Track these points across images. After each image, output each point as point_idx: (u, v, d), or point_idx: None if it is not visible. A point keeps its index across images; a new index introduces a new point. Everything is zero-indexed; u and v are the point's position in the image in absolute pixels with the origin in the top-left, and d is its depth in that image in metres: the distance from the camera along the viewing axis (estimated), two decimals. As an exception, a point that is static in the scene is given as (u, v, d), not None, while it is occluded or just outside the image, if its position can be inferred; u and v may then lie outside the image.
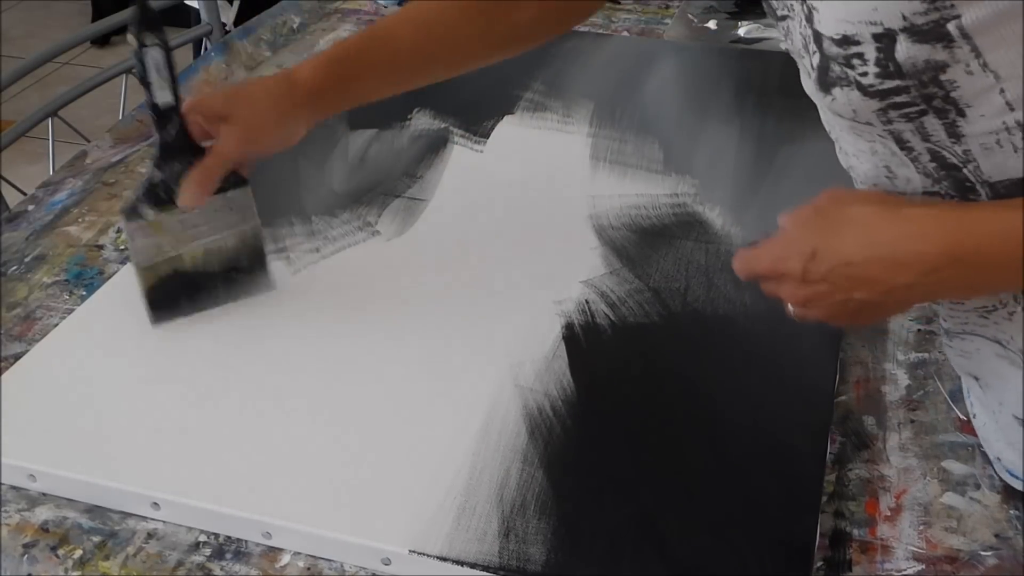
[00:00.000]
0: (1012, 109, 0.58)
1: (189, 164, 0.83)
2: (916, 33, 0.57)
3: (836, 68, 0.61)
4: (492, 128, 1.14)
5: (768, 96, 1.20)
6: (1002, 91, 0.57)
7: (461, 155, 1.11)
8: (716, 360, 0.85)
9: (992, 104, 0.58)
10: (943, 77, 0.58)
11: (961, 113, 0.59)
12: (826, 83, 0.63)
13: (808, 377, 0.83)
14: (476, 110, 1.16)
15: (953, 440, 0.78)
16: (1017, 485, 0.74)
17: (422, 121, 1.16)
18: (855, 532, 0.72)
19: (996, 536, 0.72)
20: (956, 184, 0.63)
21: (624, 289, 0.91)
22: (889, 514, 0.74)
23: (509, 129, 1.15)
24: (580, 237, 0.98)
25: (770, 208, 1.00)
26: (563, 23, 0.92)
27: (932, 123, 0.61)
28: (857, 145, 0.66)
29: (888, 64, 0.59)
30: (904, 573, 0.70)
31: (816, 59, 0.63)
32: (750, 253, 0.70)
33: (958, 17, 0.55)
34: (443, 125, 1.15)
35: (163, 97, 0.82)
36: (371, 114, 1.18)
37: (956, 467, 0.77)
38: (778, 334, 0.87)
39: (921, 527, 0.73)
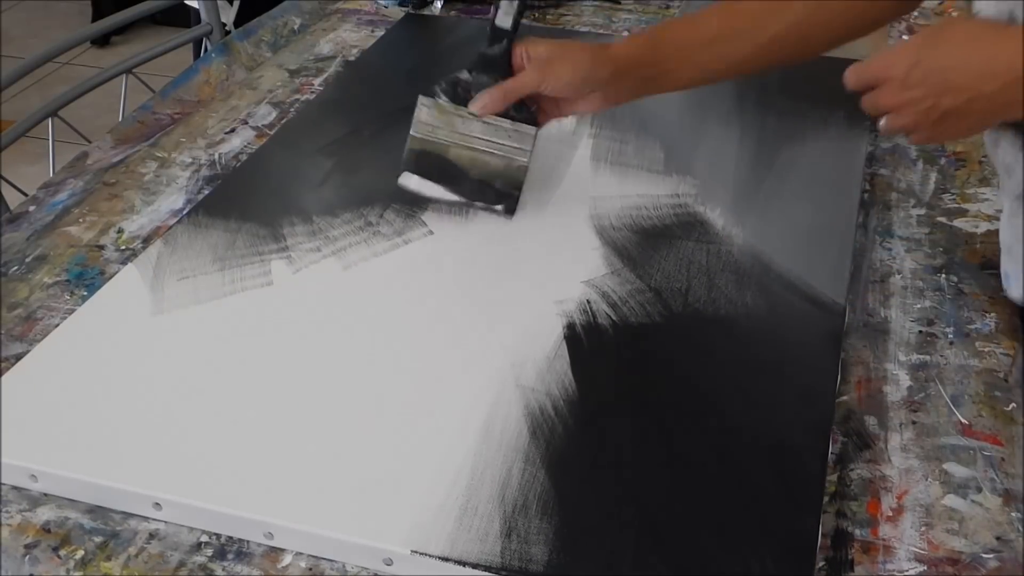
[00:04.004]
0: None
1: (494, 81, 0.94)
2: None
3: None
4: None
5: (768, 96, 1.20)
6: None
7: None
8: (718, 360, 0.85)
9: None
10: None
11: None
12: None
13: (810, 377, 0.83)
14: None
15: (955, 443, 0.78)
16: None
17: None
18: (857, 532, 0.72)
19: (997, 538, 0.72)
20: None
21: (625, 289, 0.91)
22: (891, 515, 0.74)
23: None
24: (581, 237, 0.98)
25: (771, 208, 1.02)
26: (866, 25, 0.93)
27: None
28: None
29: None
30: (906, 574, 0.70)
31: None
32: (863, 61, 0.78)
33: None
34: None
35: (504, 20, 0.95)
36: (378, 109, 1.18)
37: (958, 470, 0.77)
38: (780, 334, 0.87)
39: (923, 528, 0.73)
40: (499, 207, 0.99)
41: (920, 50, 0.74)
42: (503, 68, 0.95)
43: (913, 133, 0.77)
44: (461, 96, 0.96)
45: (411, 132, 0.97)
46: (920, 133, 0.76)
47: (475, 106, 0.95)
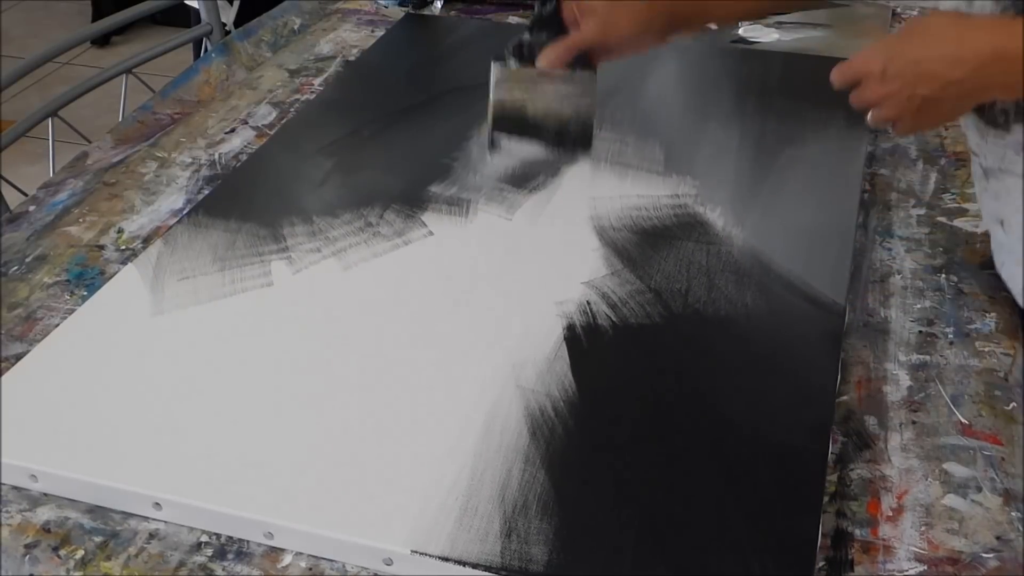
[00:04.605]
0: None
1: (553, 37, 1.00)
2: None
3: None
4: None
5: (768, 96, 1.20)
6: None
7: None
8: (718, 360, 0.85)
9: None
10: None
11: None
12: None
13: (810, 377, 0.83)
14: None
15: (955, 443, 0.78)
16: None
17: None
18: (857, 532, 0.72)
19: (997, 538, 0.72)
20: (1019, 7, 0.77)
21: (625, 290, 0.91)
22: (891, 514, 0.74)
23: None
24: (581, 238, 0.98)
25: (771, 208, 1.02)
26: None
27: None
28: None
29: None
30: (906, 574, 0.70)
31: None
32: (845, 61, 0.83)
33: None
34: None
35: None
36: (378, 109, 1.18)
37: (958, 469, 0.77)
38: (780, 334, 0.87)
39: (923, 528, 0.73)
40: (580, 151, 1.06)
41: (894, 46, 0.81)
42: (557, 25, 1.00)
43: (898, 123, 0.82)
44: (527, 57, 1.01)
45: (490, 97, 1.02)
46: (904, 123, 0.81)
47: (543, 62, 1.00)
